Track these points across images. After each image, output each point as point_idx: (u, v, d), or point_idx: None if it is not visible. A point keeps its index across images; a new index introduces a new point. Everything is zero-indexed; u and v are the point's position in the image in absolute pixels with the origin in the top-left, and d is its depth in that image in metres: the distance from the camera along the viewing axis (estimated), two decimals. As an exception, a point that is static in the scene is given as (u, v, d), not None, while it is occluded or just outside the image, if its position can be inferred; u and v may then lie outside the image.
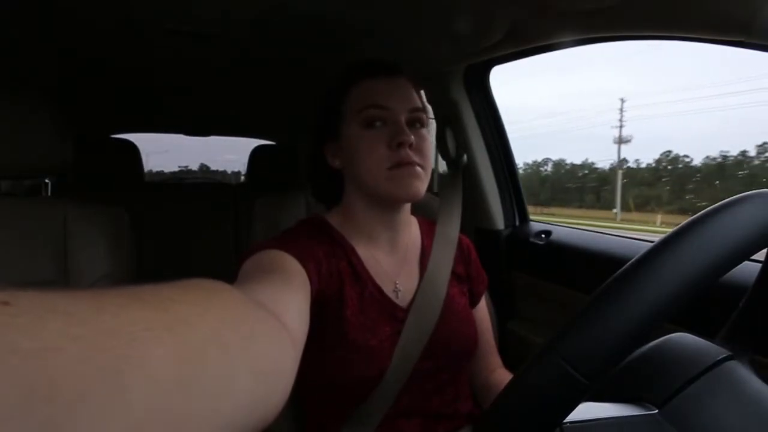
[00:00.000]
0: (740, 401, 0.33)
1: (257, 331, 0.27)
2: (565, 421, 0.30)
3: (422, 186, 0.63)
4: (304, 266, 0.56)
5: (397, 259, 0.69)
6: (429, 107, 0.70)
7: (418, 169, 0.63)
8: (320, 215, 0.70)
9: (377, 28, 0.98)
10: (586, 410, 0.32)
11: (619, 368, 0.36)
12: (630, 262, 0.30)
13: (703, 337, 0.39)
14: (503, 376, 0.74)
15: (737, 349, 0.39)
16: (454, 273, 0.70)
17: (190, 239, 1.95)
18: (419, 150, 0.63)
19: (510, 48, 0.96)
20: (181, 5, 0.90)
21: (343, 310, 0.61)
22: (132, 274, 1.03)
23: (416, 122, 0.65)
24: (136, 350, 0.17)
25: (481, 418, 0.32)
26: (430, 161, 0.66)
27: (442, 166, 1.00)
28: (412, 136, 0.62)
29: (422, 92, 0.70)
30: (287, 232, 0.66)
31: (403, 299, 0.66)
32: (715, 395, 0.34)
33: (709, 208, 0.32)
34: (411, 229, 0.73)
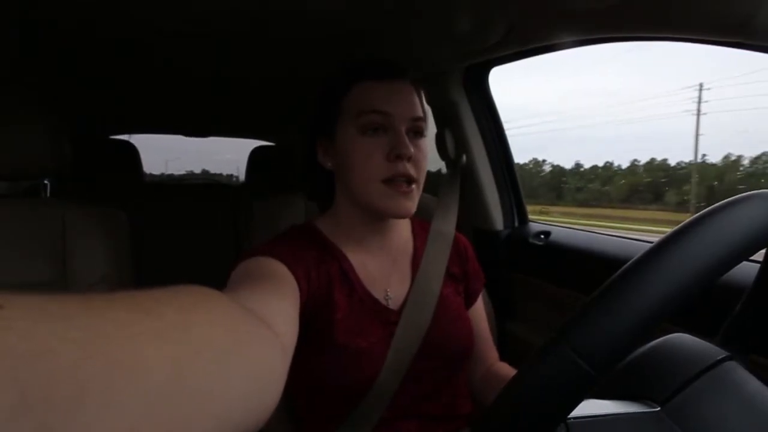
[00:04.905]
0: (739, 402, 0.34)
1: (247, 336, 0.28)
2: (568, 417, 0.30)
3: (413, 205, 0.62)
4: (293, 272, 0.56)
5: (388, 263, 0.69)
6: (429, 109, 0.69)
7: (412, 187, 0.61)
8: (311, 221, 0.70)
9: (377, 28, 0.98)
10: (589, 407, 0.33)
11: (620, 367, 0.37)
12: (636, 256, 0.31)
13: (701, 338, 0.39)
14: (505, 368, 0.74)
15: (736, 350, 0.39)
16: (448, 273, 0.70)
17: (189, 241, 1.95)
18: (416, 163, 0.62)
19: (509, 48, 0.96)
20: (179, 5, 0.90)
21: (333, 314, 0.61)
22: (131, 275, 1.03)
23: (416, 131, 0.64)
24: (129, 354, 0.17)
25: (485, 410, 0.32)
26: (425, 171, 0.64)
27: (442, 166, 1.00)
28: (412, 149, 0.60)
29: (423, 96, 0.68)
30: (277, 238, 0.65)
31: (394, 303, 0.66)
32: (715, 396, 0.34)
33: (707, 209, 0.32)
34: (402, 231, 0.72)
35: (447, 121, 1.19)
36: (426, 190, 0.66)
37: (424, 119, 0.65)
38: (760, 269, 0.40)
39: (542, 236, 1.14)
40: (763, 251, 0.38)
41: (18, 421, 0.13)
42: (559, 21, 0.79)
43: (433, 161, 0.79)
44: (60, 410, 0.14)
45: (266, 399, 0.28)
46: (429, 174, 0.67)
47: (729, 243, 0.30)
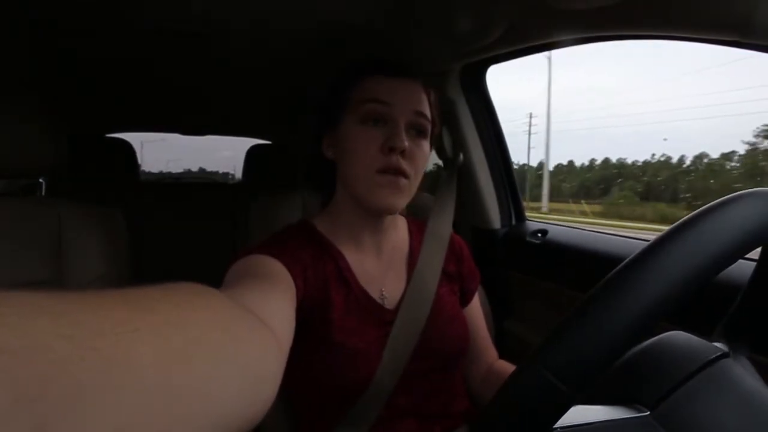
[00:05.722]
0: (735, 399, 0.34)
1: (243, 334, 0.28)
2: (555, 426, 0.30)
3: (400, 201, 0.62)
4: (290, 271, 0.56)
5: (384, 262, 0.69)
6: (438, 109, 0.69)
7: (403, 181, 0.61)
8: (308, 220, 0.70)
9: (374, 27, 0.98)
10: (578, 414, 0.32)
11: (613, 369, 0.37)
12: (620, 265, 0.30)
13: (697, 336, 0.39)
14: (505, 366, 0.74)
15: (732, 347, 0.39)
16: (444, 272, 0.70)
17: (186, 239, 1.95)
18: (412, 158, 0.61)
19: (507, 47, 0.96)
20: (177, 4, 0.89)
21: (330, 313, 0.61)
22: (127, 274, 1.03)
23: (418, 128, 0.64)
24: (124, 351, 0.17)
25: (476, 419, 0.32)
26: (421, 172, 0.64)
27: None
28: (407, 142, 0.60)
29: (433, 98, 0.68)
30: (274, 237, 0.65)
31: (390, 303, 0.66)
32: (710, 393, 0.34)
33: (702, 208, 0.32)
34: (398, 231, 0.72)
35: (444, 119, 1.19)
36: (424, 188, 0.66)
37: (426, 117, 0.65)
38: (756, 267, 0.40)
39: (539, 234, 1.14)
40: (759, 249, 0.38)
41: (13, 418, 0.13)
42: (558, 19, 0.79)
43: (432, 160, 0.79)
44: (55, 407, 0.14)
45: (262, 396, 0.28)
46: (427, 172, 0.67)
47: (720, 245, 0.30)
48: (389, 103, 0.61)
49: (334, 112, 0.65)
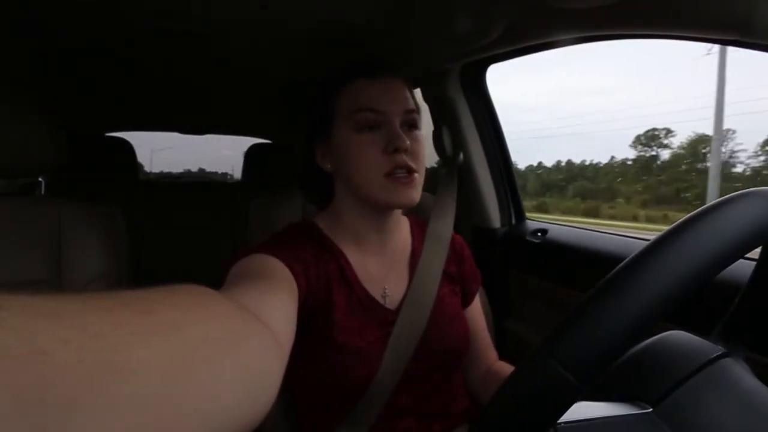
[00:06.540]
0: (735, 399, 0.34)
1: (243, 335, 0.28)
2: (559, 421, 0.30)
3: (417, 194, 0.63)
4: (292, 270, 0.56)
5: (386, 262, 0.69)
6: (423, 106, 0.70)
7: (415, 176, 0.62)
8: (310, 219, 0.70)
9: (374, 27, 0.98)
10: (581, 410, 0.32)
11: (614, 367, 0.37)
12: (623, 262, 0.30)
13: (697, 335, 0.39)
14: (505, 367, 0.75)
15: (732, 347, 0.39)
16: (445, 273, 0.70)
17: (185, 239, 1.95)
18: (414, 154, 0.62)
19: (507, 46, 0.96)
20: (177, 4, 0.89)
21: (332, 313, 0.61)
22: (127, 274, 1.03)
23: (410, 124, 0.64)
24: (124, 353, 0.17)
25: (477, 417, 0.32)
26: (424, 161, 0.65)
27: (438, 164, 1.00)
28: (408, 141, 0.61)
29: (415, 91, 0.69)
30: (275, 236, 0.65)
31: (392, 303, 0.66)
32: (710, 393, 0.34)
33: (703, 207, 0.32)
34: (401, 230, 0.72)
35: (444, 118, 1.19)
36: (425, 188, 0.66)
37: (417, 111, 0.66)
38: (756, 266, 0.40)
39: (539, 234, 1.14)
40: (759, 249, 0.38)
41: (11, 422, 0.13)
42: (558, 19, 0.79)
43: (431, 158, 0.79)
44: (53, 412, 0.14)
45: (263, 397, 0.28)
46: (427, 171, 0.67)
47: (720, 244, 0.30)
48: (381, 111, 0.62)
49: (325, 124, 0.66)
